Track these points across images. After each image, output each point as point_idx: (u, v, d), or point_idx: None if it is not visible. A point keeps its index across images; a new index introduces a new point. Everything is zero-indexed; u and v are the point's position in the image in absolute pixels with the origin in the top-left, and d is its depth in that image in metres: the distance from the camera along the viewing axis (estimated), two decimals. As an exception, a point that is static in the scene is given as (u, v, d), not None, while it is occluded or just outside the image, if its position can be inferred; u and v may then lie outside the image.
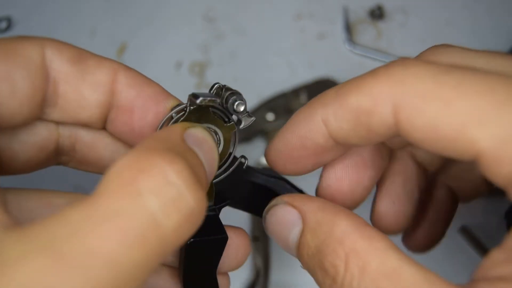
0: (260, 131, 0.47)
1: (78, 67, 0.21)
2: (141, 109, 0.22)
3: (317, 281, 0.19)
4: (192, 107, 0.21)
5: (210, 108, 0.22)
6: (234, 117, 0.23)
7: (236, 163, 0.24)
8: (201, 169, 0.18)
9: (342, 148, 0.22)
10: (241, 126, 0.23)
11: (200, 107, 0.21)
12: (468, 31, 0.53)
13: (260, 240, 0.43)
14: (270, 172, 0.25)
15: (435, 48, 0.21)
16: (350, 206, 0.24)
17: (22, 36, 0.21)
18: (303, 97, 0.48)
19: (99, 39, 0.53)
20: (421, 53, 0.21)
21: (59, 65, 0.20)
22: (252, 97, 0.49)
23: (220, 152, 0.23)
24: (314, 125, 0.20)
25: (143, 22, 0.54)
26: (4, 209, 0.16)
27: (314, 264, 0.19)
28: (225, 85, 0.23)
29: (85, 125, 0.22)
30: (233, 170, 0.24)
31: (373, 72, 0.19)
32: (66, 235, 0.13)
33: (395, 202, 0.25)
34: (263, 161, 0.46)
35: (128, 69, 0.22)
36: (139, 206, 0.14)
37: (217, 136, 0.23)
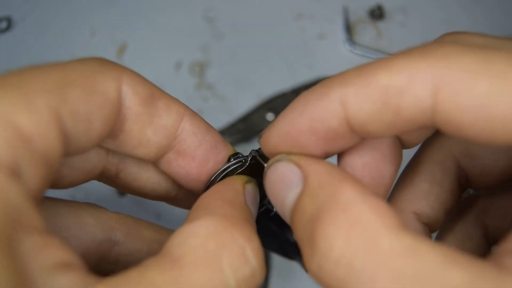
0: (260, 131, 0.47)
1: (148, 109, 0.20)
2: (202, 158, 0.22)
3: (306, 258, 0.16)
4: (251, 161, 0.22)
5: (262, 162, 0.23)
6: None
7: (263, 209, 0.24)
8: (254, 223, 0.19)
9: (355, 138, 0.19)
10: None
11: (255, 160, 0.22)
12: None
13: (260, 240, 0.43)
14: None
15: (451, 34, 0.18)
16: None
17: (101, 62, 0.19)
18: (303, 97, 0.48)
19: (99, 39, 0.53)
20: (438, 39, 0.18)
21: (132, 104, 0.20)
22: (252, 97, 0.49)
23: None
24: (330, 105, 0.17)
25: (143, 22, 0.54)
26: (88, 270, 0.16)
27: (305, 235, 0.16)
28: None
29: (137, 159, 0.23)
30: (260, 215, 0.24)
31: (405, 52, 0.16)
32: None
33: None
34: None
35: (194, 115, 0.22)
36: (220, 282, 0.16)
37: (261, 187, 0.23)
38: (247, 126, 0.47)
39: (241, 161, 0.22)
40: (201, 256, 0.16)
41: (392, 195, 0.23)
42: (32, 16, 0.54)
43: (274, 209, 0.24)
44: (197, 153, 0.22)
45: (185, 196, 0.25)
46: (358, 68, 0.17)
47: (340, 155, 0.20)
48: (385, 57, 0.17)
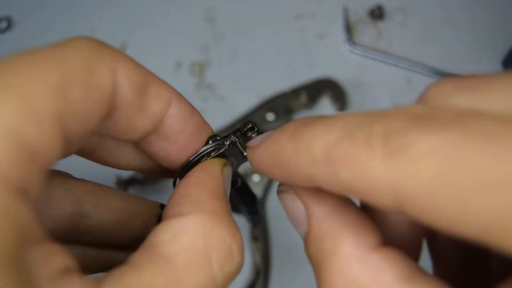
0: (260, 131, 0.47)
1: (139, 98, 0.20)
2: (185, 142, 0.22)
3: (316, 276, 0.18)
4: (226, 145, 0.23)
5: (238, 144, 0.23)
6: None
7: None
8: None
9: None
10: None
11: (232, 142, 0.23)
12: (468, 31, 0.53)
13: (260, 240, 0.43)
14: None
15: (435, 88, 0.16)
16: None
17: (96, 48, 0.19)
18: (303, 97, 0.48)
19: (99, 39, 0.53)
20: (422, 97, 0.17)
21: (125, 94, 0.19)
22: (252, 97, 0.49)
23: None
24: (301, 177, 0.16)
25: (143, 22, 0.54)
26: (68, 254, 0.16)
27: (314, 269, 0.18)
28: (258, 127, 0.24)
29: (118, 139, 0.22)
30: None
31: (368, 138, 0.13)
32: None
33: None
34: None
35: (180, 100, 0.22)
36: (210, 280, 0.17)
37: (233, 165, 0.24)
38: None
39: (219, 144, 0.23)
40: (193, 255, 0.16)
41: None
42: (32, 16, 0.54)
43: (239, 182, 0.25)
44: (180, 138, 0.22)
45: (156, 167, 0.25)
46: (327, 145, 0.15)
47: None
48: (353, 135, 0.14)
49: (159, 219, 0.25)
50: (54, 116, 0.15)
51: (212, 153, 0.23)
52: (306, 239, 0.18)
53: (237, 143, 0.23)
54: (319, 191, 0.17)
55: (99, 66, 0.18)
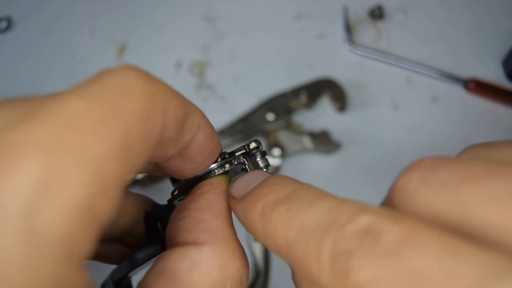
0: (260, 131, 0.47)
1: (178, 132, 0.19)
2: (201, 162, 0.22)
3: None
4: (234, 164, 0.23)
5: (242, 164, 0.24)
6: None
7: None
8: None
9: None
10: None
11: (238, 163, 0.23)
12: (468, 31, 0.53)
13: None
14: None
15: (402, 179, 0.16)
16: None
17: (149, 82, 0.17)
18: (303, 97, 0.48)
19: (99, 39, 0.53)
20: (392, 188, 0.17)
21: (169, 133, 0.19)
22: (252, 97, 0.49)
23: None
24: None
25: (143, 22, 0.54)
26: None
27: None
28: (260, 143, 0.24)
29: None
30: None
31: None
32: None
33: None
34: (263, 161, 0.46)
35: (207, 125, 0.21)
36: None
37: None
38: (247, 126, 0.47)
39: (227, 162, 0.23)
40: (210, 286, 0.17)
41: None
42: (32, 16, 0.54)
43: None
44: (197, 159, 0.22)
45: (162, 172, 0.25)
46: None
47: None
48: None
49: (147, 215, 0.25)
50: (120, 181, 0.14)
51: (217, 170, 0.23)
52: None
53: (246, 165, 0.23)
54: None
55: (154, 113, 0.17)
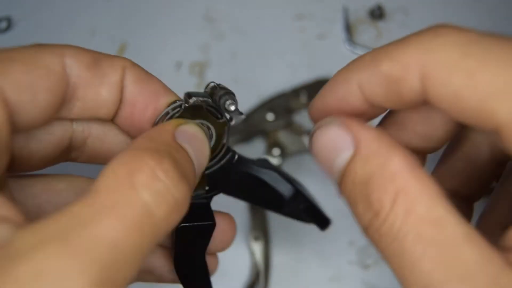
0: (260, 131, 0.47)
1: (94, 71, 0.22)
2: (142, 104, 0.23)
3: (356, 212, 0.19)
4: (186, 105, 0.23)
5: (204, 106, 0.24)
6: (227, 114, 0.25)
7: (228, 156, 0.26)
8: (189, 164, 0.20)
9: (380, 110, 0.22)
10: (232, 123, 0.25)
11: (194, 105, 0.23)
12: (468, 31, 0.53)
13: (260, 239, 0.43)
14: (264, 163, 0.28)
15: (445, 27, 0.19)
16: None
17: (42, 44, 0.21)
18: (303, 97, 0.48)
19: (99, 39, 0.53)
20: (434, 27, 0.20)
21: (78, 71, 0.22)
22: (252, 97, 0.49)
23: (212, 145, 0.25)
24: (350, 88, 0.21)
25: (143, 22, 0.54)
26: (15, 207, 0.17)
27: (358, 194, 0.18)
28: (219, 84, 0.25)
29: (100, 120, 0.24)
30: (226, 162, 0.26)
31: (405, 39, 0.20)
32: (73, 226, 0.15)
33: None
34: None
35: (135, 66, 0.24)
36: (135, 197, 0.16)
37: (210, 131, 0.25)
38: (247, 126, 0.47)
39: (179, 106, 0.24)
40: (113, 180, 0.17)
41: (432, 174, 0.26)
42: (32, 16, 0.54)
43: (236, 155, 0.26)
44: (137, 100, 0.23)
45: None
46: (371, 53, 0.21)
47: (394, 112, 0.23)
48: (392, 42, 0.20)
49: None
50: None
51: (171, 111, 0.24)
52: (351, 162, 0.19)
53: (202, 104, 0.23)
54: (363, 124, 0.20)
55: (43, 51, 0.21)
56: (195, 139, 0.22)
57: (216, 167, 0.26)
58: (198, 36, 0.53)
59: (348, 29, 0.53)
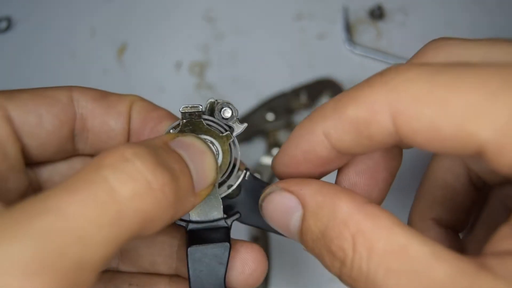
0: (260, 131, 0.47)
1: (101, 103, 0.24)
2: (148, 131, 0.25)
3: (325, 264, 0.19)
4: (184, 120, 0.24)
5: (204, 122, 0.24)
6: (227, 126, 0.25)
7: (242, 175, 0.25)
8: (181, 166, 0.19)
9: (348, 157, 0.22)
10: (234, 133, 0.25)
11: (192, 120, 0.24)
12: (468, 32, 0.53)
13: (260, 240, 0.43)
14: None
15: (433, 43, 0.20)
16: None
17: (49, 87, 0.23)
18: (303, 97, 0.48)
19: (99, 39, 0.53)
20: (420, 50, 0.20)
21: (85, 103, 0.23)
22: (252, 97, 0.49)
23: (220, 163, 0.25)
24: (316, 139, 0.20)
25: (143, 22, 0.54)
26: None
27: (321, 248, 0.19)
28: (217, 99, 0.25)
29: None
30: (239, 184, 0.25)
31: (368, 81, 0.19)
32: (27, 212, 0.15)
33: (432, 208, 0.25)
34: (264, 161, 0.46)
35: (142, 100, 0.25)
36: (95, 175, 0.16)
37: (215, 146, 0.25)
38: (247, 126, 0.47)
39: (178, 124, 0.24)
40: (84, 172, 0.17)
41: (412, 206, 0.26)
42: (32, 16, 0.54)
43: (248, 172, 0.26)
44: (144, 127, 0.25)
45: None
46: (335, 100, 0.20)
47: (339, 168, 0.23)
48: (355, 87, 0.20)
49: None
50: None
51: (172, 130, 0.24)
52: (304, 221, 0.20)
53: (193, 110, 0.24)
54: (303, 181, 0.21)
55: (51, 89, 0.23)
56: (192, 148, 0.21)
57: (231, 189, 0.25)
58: (198, 36, 0.53)
59: (348, 29, 0.53)
